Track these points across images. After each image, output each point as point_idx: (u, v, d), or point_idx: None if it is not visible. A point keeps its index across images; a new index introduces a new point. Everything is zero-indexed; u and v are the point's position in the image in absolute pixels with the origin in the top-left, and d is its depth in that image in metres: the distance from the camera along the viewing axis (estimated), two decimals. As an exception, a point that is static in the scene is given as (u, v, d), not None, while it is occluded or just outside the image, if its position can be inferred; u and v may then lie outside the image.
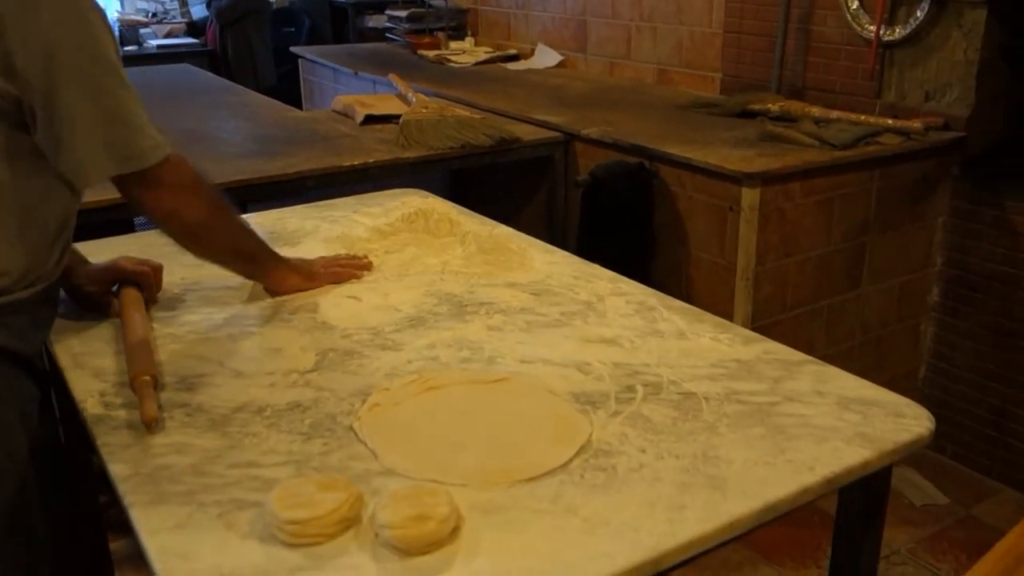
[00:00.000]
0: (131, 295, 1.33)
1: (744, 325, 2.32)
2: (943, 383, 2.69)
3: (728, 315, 2.34)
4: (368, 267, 1.51)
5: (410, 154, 2.51)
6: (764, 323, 2.36)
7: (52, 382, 1.27)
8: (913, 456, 2.70)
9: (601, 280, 1.52)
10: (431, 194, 1.93)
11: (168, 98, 3.39)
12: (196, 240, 1.28)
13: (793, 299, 2.40)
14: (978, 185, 2.50)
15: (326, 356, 1.21)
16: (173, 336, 1.27)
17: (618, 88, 3.44)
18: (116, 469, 0.94)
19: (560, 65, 3.95)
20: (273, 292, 1.41)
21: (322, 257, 1.50)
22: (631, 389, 1.13)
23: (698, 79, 3.30)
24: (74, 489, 1.48)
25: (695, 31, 3.28)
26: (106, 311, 1.33)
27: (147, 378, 1.08)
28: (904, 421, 1.07)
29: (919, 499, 2.49)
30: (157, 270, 1.40)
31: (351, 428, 1.02)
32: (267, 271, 1.40)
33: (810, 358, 1.22)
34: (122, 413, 1.05)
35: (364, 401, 1.08)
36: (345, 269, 1.47)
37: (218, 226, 1.29)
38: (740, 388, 1.13)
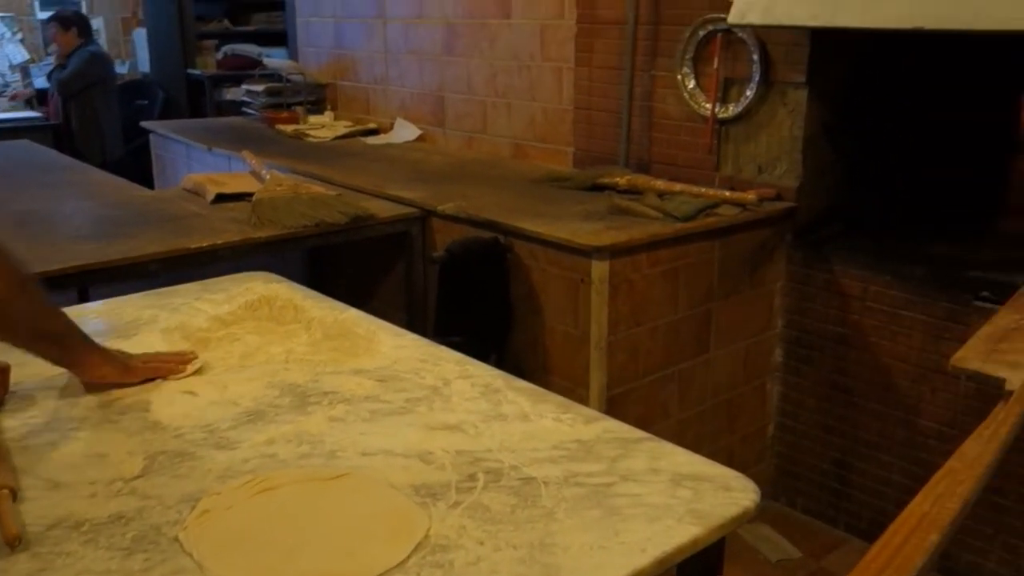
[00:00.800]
0: None
1: (600, 394, 2.38)
2: (790, 439, 2.81)
3: (584, 384, 2.39)
4: (191, 360, 1.44)
5: (262, 233, 2.47)
6: (619, 391, 2.42)
7: None
8: (767, 511, 2.81)
9: (448, 363, 1.52)
10: (277, 277, 1.90)
11: (1, 177, 3.23)
12: None
13: (646, 366, 2.47)
14: (809, 252, 2.66)
15: (155, 460, 1.16)
16: (-13, 445, 1.19)
17: (475, 162, 3.51)
18: (-95, 605, 0.86)
19: (419, 139, 4.00)
20: (85, 384, 1.34)
21: (144, 353, 1.44)
22: (472, 478, 1.13)
23: (552, 153, 3.41)
24: None
25: (547, 107, 3.39)
26: None
27: (5, 491, 1.01)
28: (732, 495, 1.10)
29: (774, 555, 2.58)
30: (4, 371, 1.31)
31: (177, 539, 0.98)
32: (75, 358, 1.32)
33: (647, 435, 1.25)
34: (-81, 538, 0.97)
35: (193, 508, 1.04)
36: (166, 364, 1.41)
37: (14, 303, 1.21)
38: (579, 470, 1.15)
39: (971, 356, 1.72)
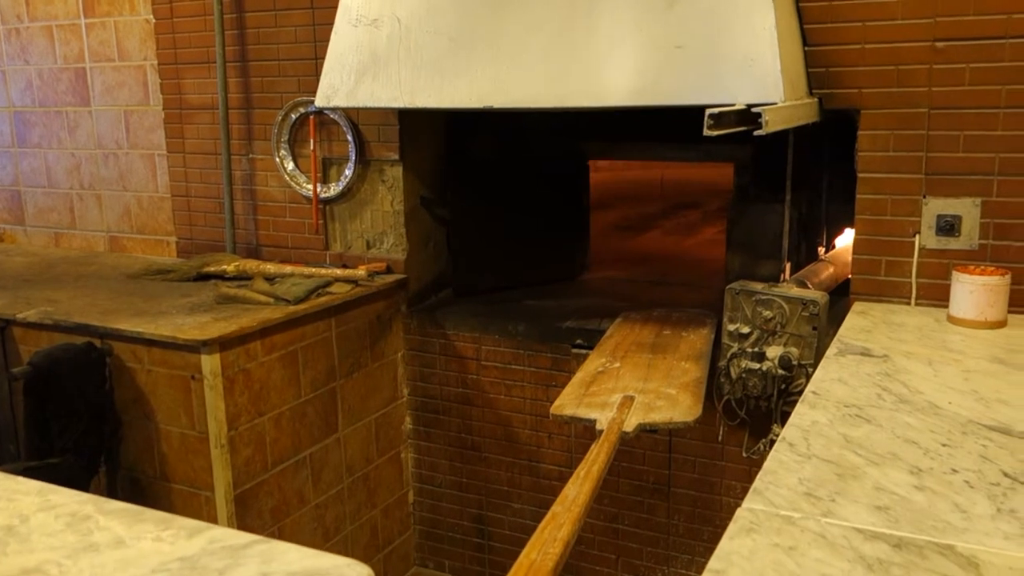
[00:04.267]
0: None
1: (227, 494, 2.25)
2: (430, 503, 2.86)
3: (209, 487, 2.24)
4: None
5: None
6: (248, 487, 2.30)
7: None
8: (416, 579, 2.83)
9: (28, 496, 1.32)
10: None
11: None
12: None
13: (274, 456, 2.38)
14: (424, 319, 2.76)
15: None
16: None
17: (65, 260, 3.19)
18: None
19: (-5, 239, 3.55)
20: None
21: None
22: (53, 628, 0.98)
23: (153, 244, 3.20)
24: None
25: (142, 196, 3.19)
26: None
27: None
28: (350, 584, 1.07)
29: (427, 623, 2.59)
30: None
31: None
32: None
33: (257, 537, 1.18)
34: None
35: None
36: None
37: None
38: (183, 592, 1.05)
39: (567, 403, 1.88)
